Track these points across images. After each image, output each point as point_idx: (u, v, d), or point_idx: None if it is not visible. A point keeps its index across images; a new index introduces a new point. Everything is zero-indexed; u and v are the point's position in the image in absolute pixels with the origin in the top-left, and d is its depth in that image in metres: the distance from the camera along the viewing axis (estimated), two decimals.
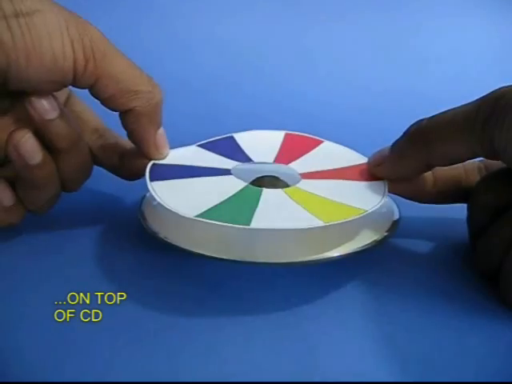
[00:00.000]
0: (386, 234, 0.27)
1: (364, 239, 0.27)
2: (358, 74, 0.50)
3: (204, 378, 0.20)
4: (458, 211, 0.29)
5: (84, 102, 0.31)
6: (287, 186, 0.29)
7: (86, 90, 0.26)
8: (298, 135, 0.35)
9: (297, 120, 0.36)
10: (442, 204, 0.30)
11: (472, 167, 0.29)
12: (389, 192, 0.29)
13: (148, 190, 0.27)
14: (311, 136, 0.35)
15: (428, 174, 0.29)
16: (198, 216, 0.25)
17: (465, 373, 0.21)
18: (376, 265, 0.28)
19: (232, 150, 0.33)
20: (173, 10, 0.52)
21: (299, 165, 0.32)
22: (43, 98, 0.25)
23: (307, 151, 0.33)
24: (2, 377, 0.20)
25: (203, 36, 0.51)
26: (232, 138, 0.34)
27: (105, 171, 0.31)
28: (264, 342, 0.22)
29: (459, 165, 0.29)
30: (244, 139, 0.34)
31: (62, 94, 0.29)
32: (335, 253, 0.25)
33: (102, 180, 0.31)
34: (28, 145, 0.25)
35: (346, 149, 0.33)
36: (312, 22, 0.52)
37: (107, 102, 0.27)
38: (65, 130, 0.26)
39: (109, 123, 0.30)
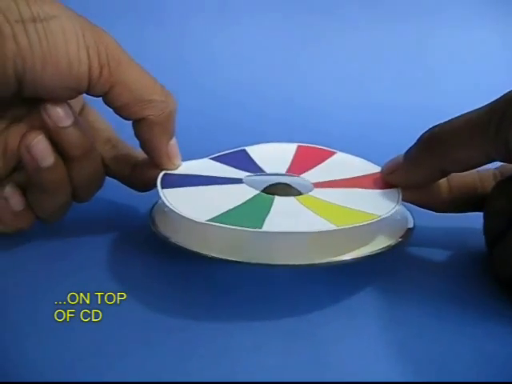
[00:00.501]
0: (400, 239, 0.26)
1: (378, 244, 0.26)
2: (366, 88, 0.50)
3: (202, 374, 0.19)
4: (474, 220, 0.28)
5: (98, 113, 0.31)
6: (300, 193, 0.29)
7: (101, 101, 0.27)
8: (310, 147, 0.35)
9: (308, 136, 0.35)
10: (457, 212, 0.29)
11: (487, 174, 0.29)
12: (403, 200, 0.28)
13: (159, 198, 0.27)
14: (324, 148, 0.35)
15: (443, 182, 0.28)
16: (209, 220, 0.24)
17: (480, 379, 0.20)
18: (390, 271, 0.27)
19: (244, 161, 0.33)
20: (178, 26, 0.53)
21: (312, 175, 0.31)
22: (58, 106, 0.25)
23: (320, 162, 0.33)
24: (2, 377, 0.20)
25: (208, 49, 0.52)
26: (244, 150, 0.34)
27: (116, 182, 0.31)
28: (274, 348, 0.21)
29: (474, 172, 0.28)
30: (256, 152, 0.34)
31: (76, 104, 0.30)
32: (347, 256, 0.25)
33: (113, 190, 0.31)
34: (40, 146, 0.25)
35: (360, 159, 0.33)
36: (317, 37, 0.53)
37: (120, 111, 0.27)
38: (78, 138, 0.26)
39: (122, 134, 0.31)
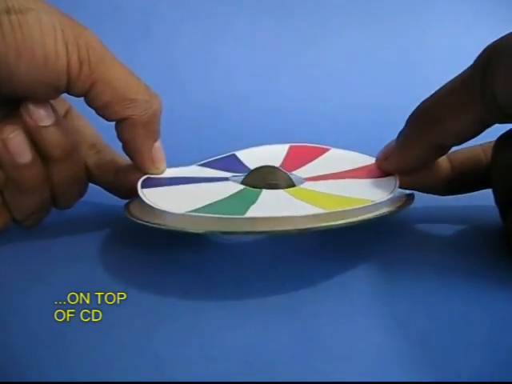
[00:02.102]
0: (398, 206, 0.25)
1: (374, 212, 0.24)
2: (361, 88, 0.51)
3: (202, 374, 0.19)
4: (479, 198, 0.27)
5: (84, 118, 0.31)
6: (288, 183, 0.28)
7: (87, 107, 0.26)
8: (303, 146, 0.34)
9: (302, 136, 0.35)
10: (464, 193, 0.28)
11: (490, 146, 0.27)
12: (403, 188, 0.27)
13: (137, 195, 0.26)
14: (317, 145, 0.34)
15: (443, 161, 0.27)
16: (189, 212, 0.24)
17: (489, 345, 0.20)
18: (388, 245, 0.27)
19: (233, 164, 0.32)
20: (170, 32, 0.53)
21: (304, 172, 0.30)
22: (39, 104, 0.25)
23: (313, 159, 0.32)
24: (2, 377, 0.19)
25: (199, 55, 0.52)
26: (234, 155, 0.33)
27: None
28: (255, 324, 0.21)
29: (476, 145, 0.27)
30: (246, 155, 0.33)
31: (61, 107, 0.29)
32: (340, 221, 0.23)
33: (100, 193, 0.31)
34: (17, 140, 0.25)
35: (354, 153, 0.32)
36: (310, 38, 0.53)
37: (102, 110, 0.26)
38: (59, 138, 0.26)
39: (110, 140, 0.30)
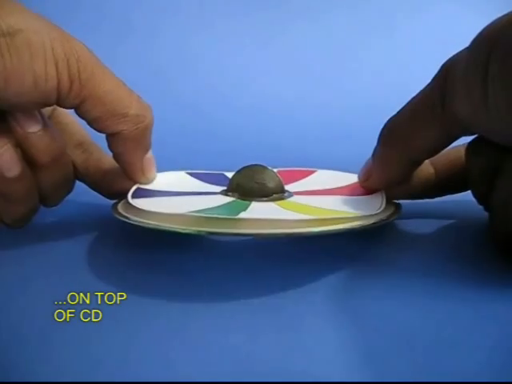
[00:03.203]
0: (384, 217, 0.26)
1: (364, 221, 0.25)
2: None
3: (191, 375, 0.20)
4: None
5: (70, 115, 0.30)
6: (276, 184, 0.29)
7: None
8: (290, 170, 0.34)
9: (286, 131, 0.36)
10: (452, 193, 0.29)
11: None
12: (390, 199, 0.28)
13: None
14: (304, 168, 0.34)
15: (426, 167, 0.28)
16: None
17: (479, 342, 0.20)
18: (375, 244, 0.27)
19: (221, 180, 0.32)
20: (153, 28, 0.52)
21: (292, 187, 0.31)
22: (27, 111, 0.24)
23: (301, 178, 0.33)
24: (2, 377, 0.20)
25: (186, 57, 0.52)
26: (223, 174, 0.34)
27: None
28: (240, 325, 0.22)
29: (458, 146, 0.27)
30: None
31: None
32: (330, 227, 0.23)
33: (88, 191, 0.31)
34: (5, 156, 0.24)
35: (342, 173, 0.33)
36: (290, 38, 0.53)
37: (93, 124, 0.26)
38: (47, 144, 0.25)
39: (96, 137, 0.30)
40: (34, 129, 0.25)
